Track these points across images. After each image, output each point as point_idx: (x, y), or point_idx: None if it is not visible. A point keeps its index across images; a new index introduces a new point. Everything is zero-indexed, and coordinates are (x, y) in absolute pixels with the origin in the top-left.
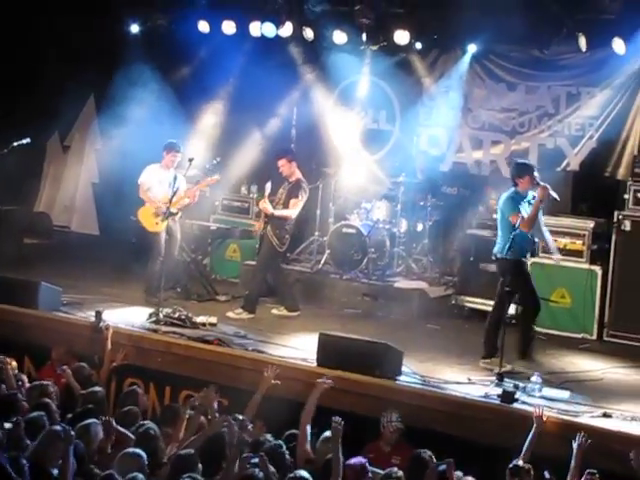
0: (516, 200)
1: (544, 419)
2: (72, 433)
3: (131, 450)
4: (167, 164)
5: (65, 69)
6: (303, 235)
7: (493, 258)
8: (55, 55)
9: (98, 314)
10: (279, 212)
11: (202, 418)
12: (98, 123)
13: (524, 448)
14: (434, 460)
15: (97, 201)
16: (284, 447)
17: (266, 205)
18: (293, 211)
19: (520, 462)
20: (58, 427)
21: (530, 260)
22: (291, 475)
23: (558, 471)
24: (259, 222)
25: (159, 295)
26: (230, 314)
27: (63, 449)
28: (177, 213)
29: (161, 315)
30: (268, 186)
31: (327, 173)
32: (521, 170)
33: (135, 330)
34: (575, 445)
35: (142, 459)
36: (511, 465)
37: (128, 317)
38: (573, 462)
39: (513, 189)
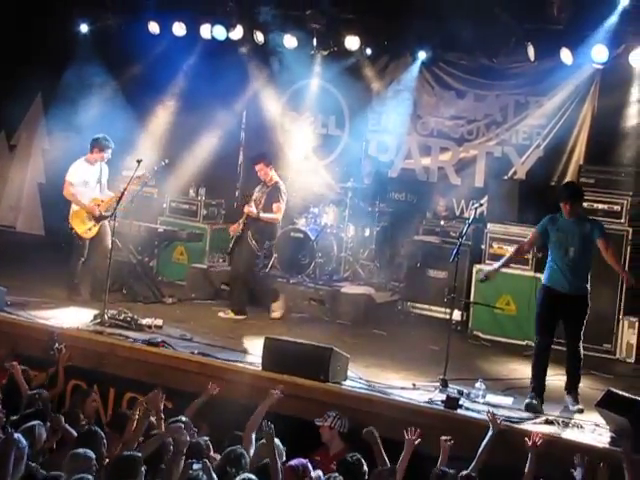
0: None
1: (499, 422)
2: (15, 437)
3: (81, 450)
4: (93, 160)
5: (12, 68)
6: None
7: (569, 293)
8: (2, 54)
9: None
10: (267, 216)
11: (152, 419)
12: (46, 123)
13: (478, 452)
14: (363, 464)
15: (43, 201)
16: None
17: (252, 209)
18: (279, 215)
19: (448, 470)
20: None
21: (476, 267)
22: (239, 478)
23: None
24: (235, 224)
25: (104, 297)
26: (221, 314)
27: (3, 453)
28: (111, 215)
29: (106, 317)
30: (257, 189)
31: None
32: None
33: (79, 331)
34: (530, 451)
35: (91, 460)
36: (438, 470)
37: (72, 318)
38: (528, 467)
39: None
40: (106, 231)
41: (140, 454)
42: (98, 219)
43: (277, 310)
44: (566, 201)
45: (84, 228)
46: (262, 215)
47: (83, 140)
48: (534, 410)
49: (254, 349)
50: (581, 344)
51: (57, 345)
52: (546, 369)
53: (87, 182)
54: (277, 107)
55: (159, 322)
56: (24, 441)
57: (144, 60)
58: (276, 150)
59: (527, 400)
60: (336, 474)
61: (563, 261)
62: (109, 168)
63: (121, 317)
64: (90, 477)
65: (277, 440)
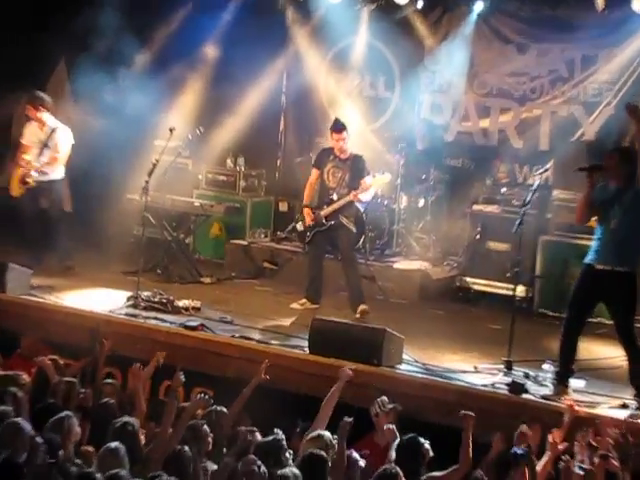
0: None
1: (576, 410)
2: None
3: (113, 445)
4: (35, 119)
5: (32, 35)
6: (294, 211)
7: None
8: (19, 23)
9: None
10: (367, 195)
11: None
12: (71, 89)
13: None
14: (423, 444)
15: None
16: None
17: (358, 193)
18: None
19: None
20: (19, 419)
21: (542, 239)
22: (280, 472)
23: None
24: (317, 213)
25: (137, 277)
26: (295, 305)
27: (29, 441)
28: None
29: (140, 299)
30: (329, 165)
31: (320, 144)
32: None
33: (112, 315)
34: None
35: (124, 455)
36: (513, 451)
37: (103, 301)
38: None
39: None
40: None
41: (187, 449)
42: (22, 182)
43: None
44: (610, 166)
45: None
46: (363, 197)
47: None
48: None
49: (301, 332)
50: (634, 333)
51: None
52: (573, 347)
53: (33, 142)
54: (320, 68)
55: (197, 304)
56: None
57: (173, 23)
58: (320, 115)
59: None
60: (392, 464)
61: (606, 234)
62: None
63: (156, 299)
64: (124, 472)
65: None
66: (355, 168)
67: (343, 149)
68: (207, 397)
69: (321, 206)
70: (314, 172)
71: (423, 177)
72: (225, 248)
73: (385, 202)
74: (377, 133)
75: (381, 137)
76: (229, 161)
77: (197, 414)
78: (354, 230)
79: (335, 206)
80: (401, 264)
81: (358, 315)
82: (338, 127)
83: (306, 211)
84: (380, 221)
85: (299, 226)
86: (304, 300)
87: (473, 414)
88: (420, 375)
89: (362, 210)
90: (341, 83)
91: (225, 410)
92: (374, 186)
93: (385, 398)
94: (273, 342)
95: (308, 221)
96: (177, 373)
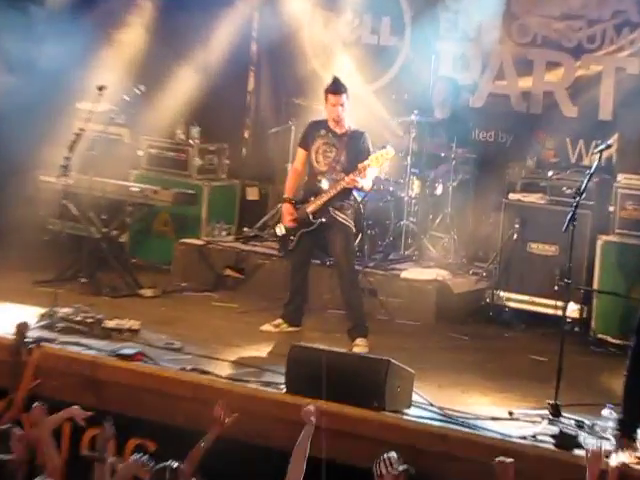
0: None
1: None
2: None
3: None
4: None
5: None
6: (266, 200)
7: None
8: None
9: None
10: (367, 182)
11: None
12: None
13: None
14: None
15: None
16: None
17: (357, 178)
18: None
19: None
20: None
21: (601, 239)
22: None
23: None
24: (302, 209)
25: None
26: (267, 327)
27: None
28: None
29: (57, 318)
30: (317, 141)
31: (302, 108)
32: None
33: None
34: None
35: None
36: None
37: (6, 320)
38: None
39: None
40: None
41: None
42: None
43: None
44: None
45: None
46: (366, 183)
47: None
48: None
49: (275, 364)
50: None
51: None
52: None
53: None
54: (304, 6)
55: (134, 325)
56: None
57: None
58: (302, 71)
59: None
60: None
61: None
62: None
63: (79, 318)
64: None
65: None
66: (354, 147)
67: (340, 119)
68: (145, 457)
69: (307, 198)
70: (300, 154)
71: (442, 155)
72: (173, 249)
73: (390, 188)
74: (380, 95)
75: (385, 101)
76: (179, 132)
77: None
78: (352, 228)
79: (325, 197)
80: (411, 273)
81: (356, 348)
82: (337, 87)
83: (285, 208)
84: (383, 214)
85: (279, 230)
86: (280, 320)
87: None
88: (436, 423)
89: (359, 199)
90: (332, 26)
91: (182, 466)
92: (373, 165)
93: (394, 455)
94: (238, 378)
95: (287, 221)
96: (106, 421)
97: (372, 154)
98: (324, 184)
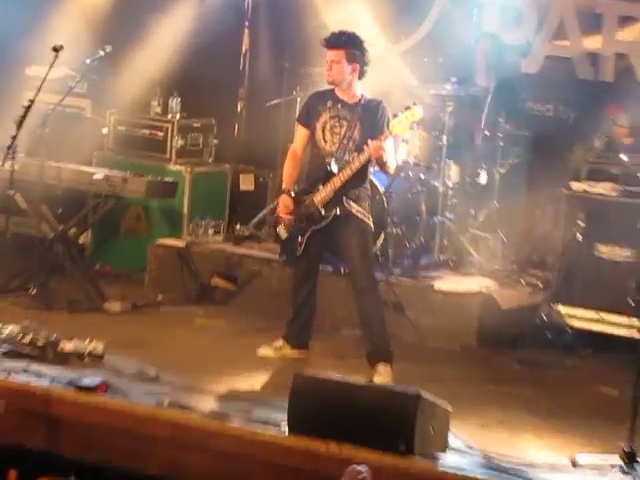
0: None
1: None
2: None
3: None
4: None
5: None
6: (264, 190)
7: None
8: None
9: None
10: (391, 159)
11: None
12: None
13: None
14: None
15: None
16: None
17: (382, 144)
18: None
19: None
20: None
21: None
22: None
23: None
24: (308, 200)
25: None
26: (264, 350)
27: None
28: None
29: (0, 338)
30: (323, 114)
31: (310, 74)
32: None
33: None
34: None
35: None
36: None
37: None
38: None
39: None
40: None
41: None
42: None
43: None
44: None
45: None
46: (390, 160)
47: None
48: None
49: (276, 397)
50: None
51: None
52: None
53: None
54: None
55: (98, 347)
56: None
57: None
58: (309, 30)
59: None
60: None
61: None
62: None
63: (27, 339)
64: None
65: None
66: (370, 119)
67: (349, 86)
68: None
69: (313, 187)
70: (300, 133)
71: (486, 134)
72: (148, 253)
73: (421, 176)
74: (408, 58)
75: (415, 66)
76: (155, 104)
77: None
78: (370, 224)
79: (338, 182)
80: (448, 283)
81: (377, 377)
82: (332, 39)
83: (283, 202)
84: (411, 209)
85: (282, 232)
86: (281, 342)
87: None
88: (479, 472)
89: (382, 190)
90: None
91: None
92: (397, 132)
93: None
94: (228, 414)
95: (285, 219)
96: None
97: (394, 119)
98: (334, 167)
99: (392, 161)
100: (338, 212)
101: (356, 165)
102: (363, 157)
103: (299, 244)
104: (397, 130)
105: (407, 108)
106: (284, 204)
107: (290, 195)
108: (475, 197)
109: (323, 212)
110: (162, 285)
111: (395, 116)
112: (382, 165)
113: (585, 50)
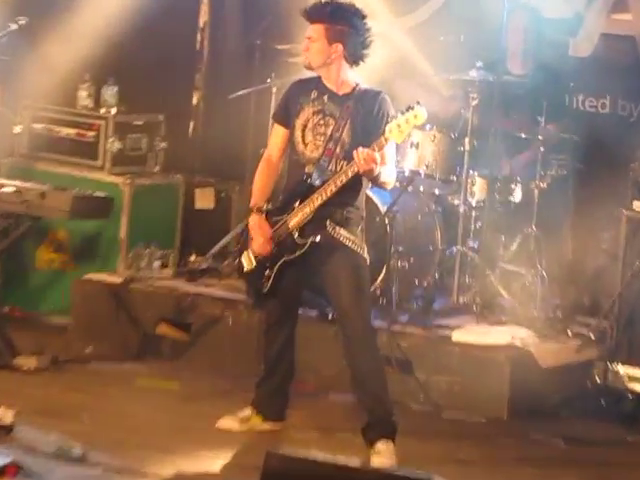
0: None
1: None
2: None
3: None
4: None
5: None
6: (227, 209)
7: None
8: None
9: None
10: (389, 171)
11: None
12: None
13: None
14: None
15: None
16: None
17: (374, 153)
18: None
19: None
20: None
21: None
22: None
23: None
24: (281, 223)
25: None
26: (225, 422)
27: None
28: None
29: None
30: (303, 107)
31: (288, 56)
32: None
33: None
34: None
35: None
36: None
37: None
38: None
39: None
40: None
41: None
42: None
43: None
44: None
45: None
46: (387, 173)
47: None
48: None
49: None
50: None
51: None
52: None
53: None
54: None
55: (6, 415)
56: None
57: None
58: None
59: None
60: None
61: None
62: None
63: None
64: None
65: None
66: (364, 116)
67: (336, 73)
68: None
69: (288, 206)
70: (277, 133)
71: (522, 137)
72: (72, 292)
73: (435, 191)
74: (419, 36)
75: (428, 46)
76: (84, 94)
77: None
78: (365, 254)
79: (318, 201)
80: (470, 333)
81: (376, 458)
82: (311, 9)
83: (254, 223)
84: (422, 235)
85: (247, 262)
86: (249, 411)
87: None
88: None
89: (383, 209)
90: None
91: None
92: (393, 137)
93: None
94: None
95: (257, 246)
96: None
97: (393, 118)
98: (315, 179)
99: (389, 174)
100: (318, 239)
101: (342, 180)
102: (351, 170)
103: (266, 279)
104: (393, 136)
105: (409, 108)
106: (258, 227)
107: (263, 213)
108: (507, 220)
109: (297, 238)
110: (91, 334)
111: (394, 117)
112: (373, 180)
113: None
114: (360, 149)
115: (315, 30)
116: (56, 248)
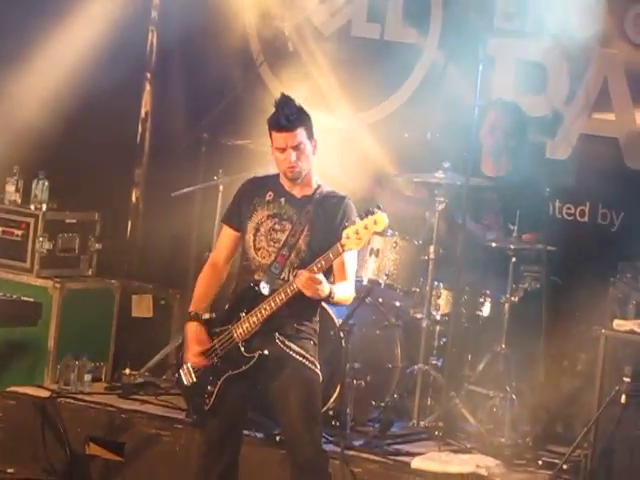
0: None
1: None
2: None
3: None
4: None
5: None
6: (167, 317)
7: None
8: None
9: None
10: (346, 286)
11: None
12: None
13: None
14: None
15: None
16: None
17: (313, 275)
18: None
19: None
20: None
21: None
22: None
23: None
24: (227, 333)
25: None
26: None
27: None
28: None
29: None
30: (258, 213)
31: (237, 151)
32: None
33: None
34: None
35: None
36: None
37: None
38: None
39: None
40: None
41: None
42: None
43: None
44: None
45: None
46: (342, 289)
47: None
48: None
49: None
50: None
51: None
52: None
53: None
54: None
55: None
56: None
57: None
58: (239, 78)
59: None
60: None
61: None
62: None
63: None
64: None
65: None
66: (325, 222)
67: (299, 173)
68: None
69: (234, 315)
70: (227, 236)
71: (492, 246)
72: None
73: (396, 303)
74: (381, 133)
75: (391, 143)
76: (11, 189)
77: None
78: (317, 371)
79: (266, 312)
80: (432, 461)
81: None
82: (285, 118)
83: (192, 332)
84: (381, 351)
85: (186, 377)
86: None
87: None
88: None
89: (338, 321)
90: (297, 4)
91: None
92: (351, 246)
93: None
94: None
95: (195, 358)
96: None
97: (351, 223)
98: (264, 288)
99: (346, 292)
100: (266, 352)
101: (287, 294)
102: (290, 289)
103: (208, 395)
104: (351, 244)
105: (368, 213)
106: (195, 337)
107: (200, 321)
108: (474, 337)
109: (243, 351)
110: (13, 454)
111: (352, 223)
112: (325, 301)
113: (638, 128)
114: (300, 272)
115: (300, 135)
116: None
